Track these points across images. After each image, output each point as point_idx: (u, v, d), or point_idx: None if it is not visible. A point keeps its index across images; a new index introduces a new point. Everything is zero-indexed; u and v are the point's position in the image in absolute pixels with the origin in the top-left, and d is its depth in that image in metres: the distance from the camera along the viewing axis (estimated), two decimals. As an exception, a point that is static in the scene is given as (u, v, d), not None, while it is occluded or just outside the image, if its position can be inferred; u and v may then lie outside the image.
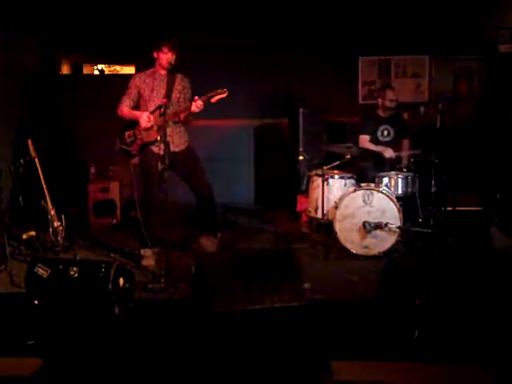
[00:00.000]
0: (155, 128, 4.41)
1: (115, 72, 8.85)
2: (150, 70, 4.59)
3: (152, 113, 4.45)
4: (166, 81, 4.35)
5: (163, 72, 4.48)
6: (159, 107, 4.34)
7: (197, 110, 4.34)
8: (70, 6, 6.81)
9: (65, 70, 7.88)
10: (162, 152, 4.07)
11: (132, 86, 4.57)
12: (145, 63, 4.89)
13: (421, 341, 3.04)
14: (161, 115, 4.25)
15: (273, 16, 6.91)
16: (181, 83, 4.57)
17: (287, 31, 6.96)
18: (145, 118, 4.43)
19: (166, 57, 4.41)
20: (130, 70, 8.15)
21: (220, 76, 6.32)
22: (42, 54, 7.22)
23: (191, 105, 4.33)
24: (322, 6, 6.86)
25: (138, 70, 6.99)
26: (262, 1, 6.86)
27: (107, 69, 8.82)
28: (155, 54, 4.49)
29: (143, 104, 4.56)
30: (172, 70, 4.43)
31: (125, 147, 4.59)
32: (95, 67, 8.62)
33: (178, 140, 4.57)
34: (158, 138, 4.28)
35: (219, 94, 4.27)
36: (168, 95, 4.39)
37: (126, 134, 4.58)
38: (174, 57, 4.42)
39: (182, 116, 4.46)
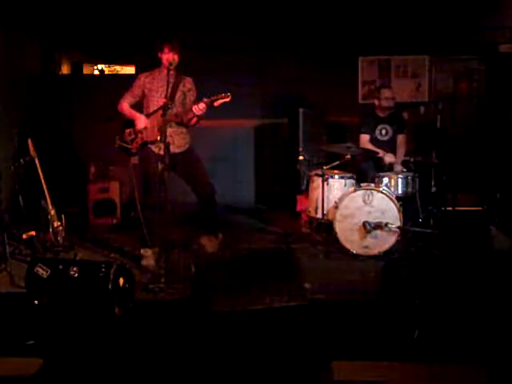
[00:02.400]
0: (156, 128, 4.39)
1: (115, 72, 8.84)
2: (156, 70, 4.58)
3: (154, 112, 4.45)
4: (168, 81, 4.34)
5: (166, 72, 4.46)
6: (161, 107, 4.33)
7: (199, 113, 4.32)
8: (70, 6, 6.81)
9: (65, 70, 7.88)
10: (162, 152, 4.06)
11: (136, 85, 4.58)
12: (145, 63, 4.88)
13: (421, 341, 3.04)
14: (162, 115, 4.25)
15: (273, 16, 6.90)
16: (185, 85, 4.55)
17: (287, 31, 6.96)
18: (142, 121, 4.43)
19: (166, 57, 4.39)
20: (130, 69, 8.15)
21: (220, 76, 6.33)
22: (42, 54, 7.22)
23: (193, 107, 4.32)
24: (322, 6, 6.86)
25: (137, 70, 7.01)
26: (262, 1, 6.86)
27: (107, 69, 8.81)
28: (159, 54, 4.49)
29: (146, 103, 4.56)
30: (177, 71, 4.42)
31: (124, 145, 4.58)
32: (95, 67, 8.61)
33: (179, 141, 4.56)
34: (158, 139, 4.27)
35: (223, 98, 4.23)
36: (171, 96, 4.37)
37: (127, 131, 4.57)
38: (175, 57, 4.38)
39: (185, 118, 4.44)
